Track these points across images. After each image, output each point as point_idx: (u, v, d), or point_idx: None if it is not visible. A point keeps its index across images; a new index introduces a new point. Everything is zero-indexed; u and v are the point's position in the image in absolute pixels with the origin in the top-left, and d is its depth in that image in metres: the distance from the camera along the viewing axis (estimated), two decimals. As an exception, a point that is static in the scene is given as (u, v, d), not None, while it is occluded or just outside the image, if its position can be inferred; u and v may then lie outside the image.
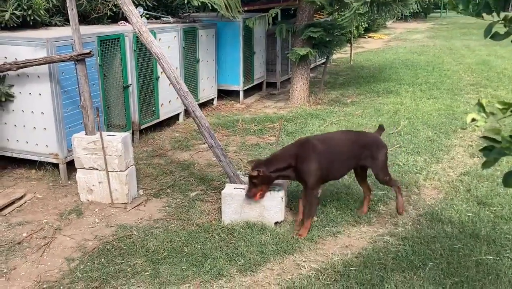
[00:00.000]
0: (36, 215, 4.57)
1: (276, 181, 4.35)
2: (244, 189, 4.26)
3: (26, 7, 5.59)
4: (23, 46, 5.00)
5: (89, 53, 4.70)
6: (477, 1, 2.40)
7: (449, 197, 4.85)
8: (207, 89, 8.62)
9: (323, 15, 10.93)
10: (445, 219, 4.39)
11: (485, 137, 1.80)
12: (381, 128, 4.57)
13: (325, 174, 4.14)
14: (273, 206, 4.21)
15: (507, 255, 3.77)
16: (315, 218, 4.29)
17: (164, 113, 7.25)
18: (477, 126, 1.47)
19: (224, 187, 4.42)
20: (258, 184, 4.08)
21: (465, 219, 4.37)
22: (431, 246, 3.90)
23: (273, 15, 8.41)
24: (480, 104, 1.47)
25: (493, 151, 1.70)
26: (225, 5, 7.88)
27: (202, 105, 8.29)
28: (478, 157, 5.91)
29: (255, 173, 4.01)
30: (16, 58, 4.94)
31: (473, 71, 12.11)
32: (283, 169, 4.09)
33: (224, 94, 9.34)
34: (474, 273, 3.54)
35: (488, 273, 3.54)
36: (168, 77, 4.54)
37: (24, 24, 5.69)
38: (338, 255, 3.84)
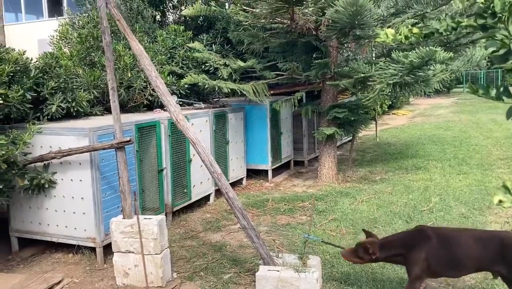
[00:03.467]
0: (73, 299, 4.64)
1: (310, 262, 4.36)
2: (278, 271, 4.27)
3: (70, 100, 6.05)
4: (67, 136, 5.36)
5: (129, 141, 5.00)
6: (497, 86, 2.54)
7: (489, 276, 4.69)
8: (237, 169, 8.84)
9: (347, 94, 11.30)
10: (487, 300, 4.24)
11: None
12: None
13: (434, 269, 3.88)
14: None
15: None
16: None
17: (196, 194, 7.43)
18: (504, 208, 1.54)
19: (258, 269, 4.43)
20: (362, 257, 4.08)
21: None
22: (475, 330, 3.75)
23: (298, 98, 8.79)
24: (505, 186, 1.56)
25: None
26: (253, 90, 8.33)
27: (232, 185, 8.44)
28: (515, 233, 5.76)
29: (370, 251, 3.98)
30: (60, 147, 5.28)
31: (502, 145, 12.05)
32: (392, 255, 4.05)
33: (252, 173, 9.54)
34: None
35: None
36: (202, 161, 4.76)
37: (67, 114, 6.12)
38: (377, 339, 3.72)
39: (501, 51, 2.22)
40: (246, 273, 5.01)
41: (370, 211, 6.93)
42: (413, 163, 10.17)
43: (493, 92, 2.52)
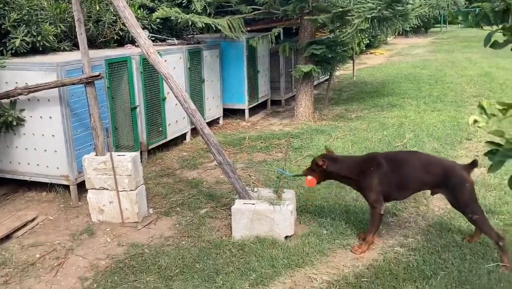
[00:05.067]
0: (49, 236, 4.62)
1: (285, 195, 4.41)
2: (253, 204, 4.31)
3: (35, 34, 5.73)
4: (33, 71, 5.12)
5: (99, 75, 4.81)
6: (476, 12, 2.48)
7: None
8: (213, 109, 8.73)
9: (325, 32, 11.09)
10: (454, 228, 4.41)
11: (489, 142, 1.86)
12: (473, 164, 4.05)
13: (387, 192, 4.09)
14: (282, 220, 4.24)
15: (518, 262, 3.78)
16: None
17: (171, 133, 7.34)
18: (479, 127, 1.53)
19: (234, 203, 4.46)
20: (316, 172, 4.26)
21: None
22: (442, 256, 3.92)
23: (275, 34, 8.56)
24: (481, 106, 1.53)
25: (497, 154, 1.75)
26: (229, 26, 8.04)
27: (208, 124, 8.30)
28: (484, 166, 5.93)
29: (320, 162, 4.19)
30: (26, 83, 5.06)
31: (475, 83, 12.19)
32: (342, 176, 4.26)
33: (229, 112, 9.45)
34: (486, 281, 3.54)
35: (499, 280, 3.54)
36: (176, 96, 4.64)
37: (33, 50, 5.82)
38: (349, 267, 3.86)
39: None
40: (222, 208, 5.06)
41: (345, 147, 7.00)
42: (389, 101, 10.22)
43: (472, 19, 2.47)
